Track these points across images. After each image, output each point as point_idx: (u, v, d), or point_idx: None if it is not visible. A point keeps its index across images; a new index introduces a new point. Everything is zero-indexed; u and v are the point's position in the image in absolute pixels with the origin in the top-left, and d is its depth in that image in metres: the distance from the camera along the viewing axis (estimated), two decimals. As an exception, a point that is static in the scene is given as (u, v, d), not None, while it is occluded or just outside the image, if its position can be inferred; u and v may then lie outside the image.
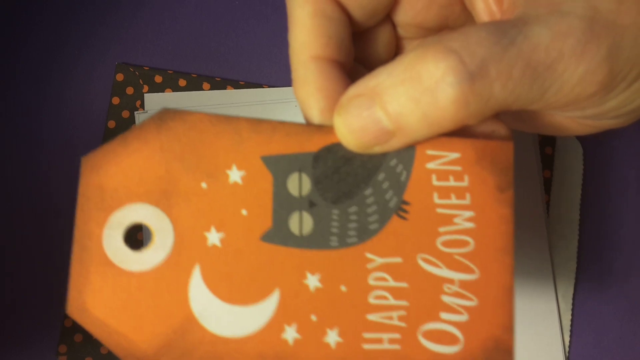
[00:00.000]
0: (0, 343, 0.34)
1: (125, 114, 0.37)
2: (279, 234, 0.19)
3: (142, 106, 0.37)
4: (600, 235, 0.38)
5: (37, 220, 0.35)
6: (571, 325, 0.36)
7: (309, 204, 0.19)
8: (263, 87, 0.37)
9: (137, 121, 0.36)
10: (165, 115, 0.19)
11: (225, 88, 0.37)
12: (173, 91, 0.37)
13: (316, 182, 0.19)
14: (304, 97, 0.20)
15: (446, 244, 0.19)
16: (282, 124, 0.19)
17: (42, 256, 0.35)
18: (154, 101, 0.37)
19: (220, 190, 0.19)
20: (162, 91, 0.37)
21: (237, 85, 0.37)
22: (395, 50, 0.23)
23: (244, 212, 0.19)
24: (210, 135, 0.19)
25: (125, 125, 0.37)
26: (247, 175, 0.19)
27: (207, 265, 0.18)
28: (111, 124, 0.37)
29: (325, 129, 0.19)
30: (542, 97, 0.18)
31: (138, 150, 0.18)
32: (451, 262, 0.19)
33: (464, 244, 0.19)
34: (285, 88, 0.38)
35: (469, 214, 0.19)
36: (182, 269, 0.18)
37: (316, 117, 0.20)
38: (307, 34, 0.20)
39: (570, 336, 0.36)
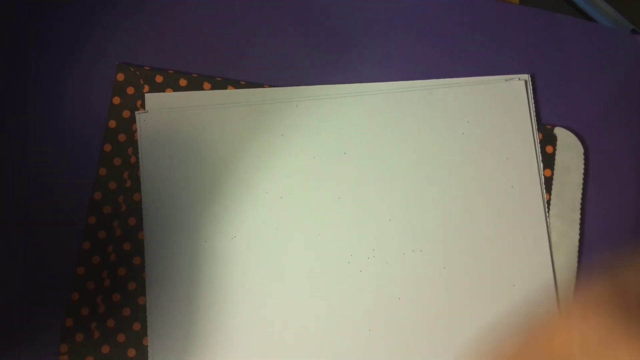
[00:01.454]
0: (1, 343, 0.34)
1: (126, 113, 0.37)
2: None
3: (143, 106, 0.37)
4: (600, 234, 0.38)
5: (37, 220, 0.35)
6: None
7: None
8: (264, 87, 0.37)
9: (138, 121, 0.36)
10: None
11: (226, 88, 0.37)
12: (174, 91, 0.37)
13: None
14: None
15: None
16: None
17: (43, 256, 0.35)
18: (155, 101, 0.37)
19: None
20: (163, 91, 0.37)
21: (237, 85, 0.37)
22: None
23: None
24: None
25: (126, 125, 0.37)
26: None
27: None
28: (112, 123, 0.37)
29: None
30: None
31: None
32: None
33: None
34: (286, 88, 0.38)
35: None
36: None
37: None
38: None
39: (571, 335, 0.36)
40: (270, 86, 0.38)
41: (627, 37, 0.40)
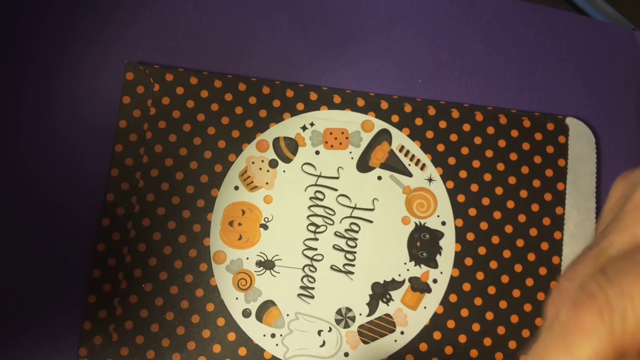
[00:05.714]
0: (21, 347, 0.33)
1: (137, 113, 0.36)
2: None
3: (154, 105, 0.36)
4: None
5: (51, 221, 0.35)
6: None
7: None
8: (275, 83, 0.37)
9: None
10: None
11: (237, 85, 0.37)
12: (185, 89, 0.37)
13: None
14: None
15: None
16: None
17: (59, 258, 0.34)
18: None
19: None
20: (174, 89, 0.37)
21: (249, 82, 0.37)
22: None
23: None
24: None
25: (137, 124, 0.36)
26: None
27: None
28: (122, 123, 0.36)
29: None
30: None
31: None
32: None
33: None
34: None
35: None
36: None
37: None
38: None
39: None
40: (281, 82, 0.37)
41: (625, 34, 0.40)
